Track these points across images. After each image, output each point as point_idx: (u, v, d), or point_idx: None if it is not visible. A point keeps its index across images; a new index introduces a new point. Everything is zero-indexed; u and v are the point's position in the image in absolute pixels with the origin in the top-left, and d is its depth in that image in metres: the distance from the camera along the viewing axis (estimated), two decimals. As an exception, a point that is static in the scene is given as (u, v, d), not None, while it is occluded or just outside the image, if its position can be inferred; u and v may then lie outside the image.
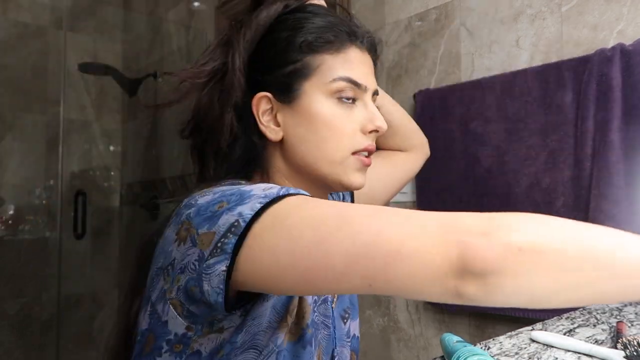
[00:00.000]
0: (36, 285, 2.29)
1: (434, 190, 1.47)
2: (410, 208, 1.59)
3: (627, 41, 1.14)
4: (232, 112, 0.60)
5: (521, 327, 0.69)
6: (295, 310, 0.54)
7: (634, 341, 0.55)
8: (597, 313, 0.78)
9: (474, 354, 0.51)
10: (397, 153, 0.88)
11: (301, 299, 0.55)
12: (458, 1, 1.49)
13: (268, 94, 0.60)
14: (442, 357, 0.58)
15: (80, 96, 2.59)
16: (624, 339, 0.57)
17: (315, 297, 0.59)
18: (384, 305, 1.67)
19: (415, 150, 0.91)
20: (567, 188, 1.20)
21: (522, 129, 1.28)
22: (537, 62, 1.31)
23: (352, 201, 0.80)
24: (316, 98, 0.59)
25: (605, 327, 0.69)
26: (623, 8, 1.17)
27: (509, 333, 0.66)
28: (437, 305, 1.48)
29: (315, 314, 0.58)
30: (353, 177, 0.60)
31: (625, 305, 0.83)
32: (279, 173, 0.62)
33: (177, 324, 0.51)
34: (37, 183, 2.45)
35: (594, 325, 0.70)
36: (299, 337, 0.54)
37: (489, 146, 1.34)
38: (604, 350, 0.56)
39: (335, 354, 0.60)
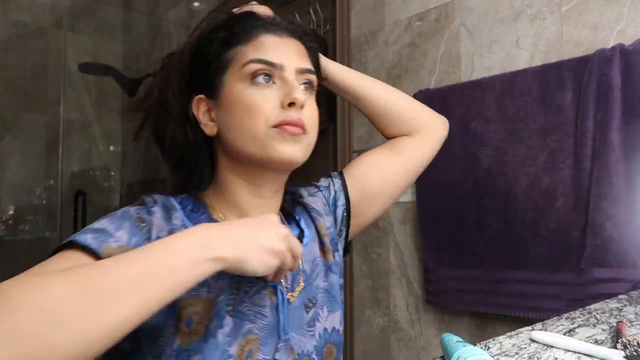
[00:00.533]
0: (36, 285, 2.30)
1: (433, 190, 1.47)
2: (411, 208, 1.59)
3: (627, 41, 1.14)
4: (179, 121, 0.66)
5: (521, 327, 0.69)
6: (186, 315, 0.57)
7: (634, 341, 0.55)
8: (597, 313, 0.78)
9: (473, 354, 0.51)
10: (402, 139, 0.85)
11: (191, 302, 0.57)
12: (458, 1, 1.49)
13: (202, 95, 0.66)
14: (442, 357, 0.58)
15: (80, 96, 2.59)
16: (623, 339, 0.57)
17: (231, 292, 0.60)
18: (384, 305, 1.67)
19: (422, 132, 0.86)
20: (567, 188, 1.20)
21: (522, 129, 1.28)
22: (537, 62, 1.31)
23: (345, 191, 0.79)
24: (234, 85, 0.63)
25: (605, 327, 0.69)
26: (623, 8, 1.17)
27: (509, 333, 0.66)
28: (437, 304, 1.48)
29: (245, 304, 0.60)
30: (280, 148, 0.62)
31: (626, 305, 0.83)
32: (225, 170, 0.67)
33: None
34: (37, 183, 2.45)
35: (594, 325, 0.70)
36: (204, 333, 0.57)
37: (488, 146, 1.34)
38: (603, 350, 0.56)
39: (281, 342, 0.61)
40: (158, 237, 0.57)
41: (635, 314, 0.77)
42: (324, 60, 0.80)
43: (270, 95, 0.62)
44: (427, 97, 1.50)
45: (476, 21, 1.44)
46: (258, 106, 0.62)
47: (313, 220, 0.74)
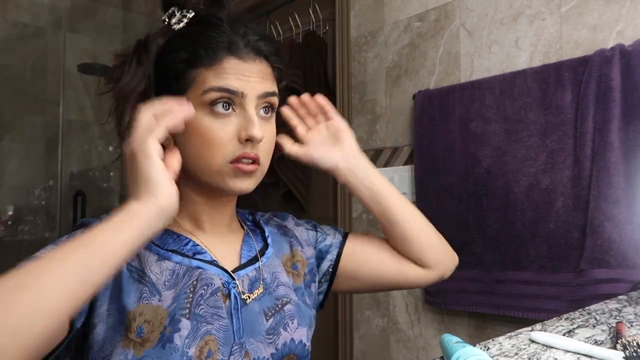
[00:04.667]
0: (35, 286, 2.29)
1: (433, 190, 1.46)
2: (410, 208, 1.59)
3: (627, 42, 1.14)
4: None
5: (521, 328, 0.69)
6: (135, 325, 0.57)
7: (634, 342, 0.55)
8: (597, 314, 0.78)
9: (473, 355, 0.51)
10: (409, 260, 0.82)
11: (141, 311, 0.59)
12: (457, 2, 1.49)
13: None
14: (442, 357, 0.58)
15: (80, 97, 2.58)
16: (623, 339, 0.57)
17: (186, 296, 0.61)
18: (384, 306, 1.67)
19: (431, 268, 0.83)
20: (566, 188, 1.20)
21: (521, 130, 1.28)
22: (537, 62, 1.31)
23: (340, 250, 0.79)
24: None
25: (604, 327, 0.69)
26: (622, 9, 1.17)
27: (509, 334, 0.66)
28: (436, 305, 1.48)
29: (202, 307, 0.61)
30: (232, 184, 0.64)
31: (625, 306, 0.83)
32: (182, 180, 0.66)
33: None
34: (36, 184, 2.45)
35: (594, 326, 0.70)
36: (158, 340, 0.58)
37: (488, 147, 1.34)
38: (603, 351, 0.56)
39: (235, 346, 0.61)
40: None
41: (635, 314, 0.77)
42: (370, 172, 0.78)
43: (229, 127, 0.62)
44: (427, 98, 1.50)
45: (476, 22, 1.44)
46: (216, 141, 0.62)
47: (290, 244, 0.76)
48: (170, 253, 0.65)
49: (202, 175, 0.65)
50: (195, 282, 0.62)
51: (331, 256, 0.79)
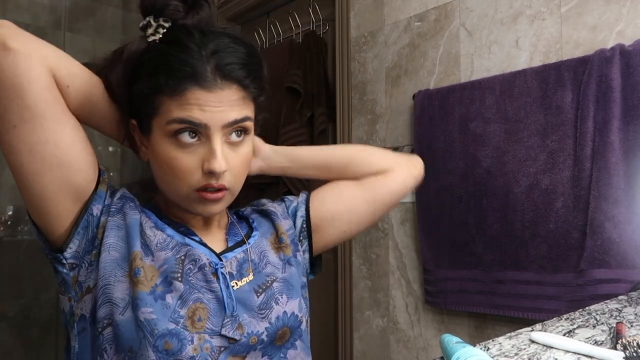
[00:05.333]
0: (35, 286, 2.29)
1: (433, 190, 1.46)
2: (410, 209, 1.59)
3: (627, 42, 1.14)
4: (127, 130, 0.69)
5: (521, 328, 0.69)
6: (133, 267, 0.62)
7: (634, 342, 0.55)
8: (597, 314, 0.78)
9: (473, 355, 0.51)
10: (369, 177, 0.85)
11: (135, 257, 0.63)
12: (457, 2, 1.49)
13: (134, 122, 0.67)
14: (442, 357, 0.58)
15: (80, 97, 2.58)
16: (623, 339, 0.57)
17: (177, 264, 0.65)
18: (384, 306, 1.67)
19: (389, 171, 0.84)
20: (566, 188, 1.20)
21: (521, 130, 1.28)
22: (537, 62, 1.31)
23: (306, 205, 0.83)
24: (159, 138, 0.63)
25: (604, 328, 0.69)
26: (622, 9, 1.17)
27: (509, 334, 0.66)
28: (436, 305, 1.48)
29: (191, 279, 0.65)
30: (200, 209, 0.66)
31: (625, 306, 0.83)
32: (161, 190, 0.70)
33: (64, 303, 0.65)
34: (36, 184, 2.44)
35: (594, 326, 0.70)
36: (152, 292, 0.61)
37: (488, 147, 1.34)
38: (603, 351, 0.56)
39: (227, 319, 0.64)
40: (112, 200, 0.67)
41: (635, 314, 0.77)
42: (286, 149, 0.83)
43: (193, 157, 0.62)
44: (427, 98, 1.50)
45: (476, 22, 1.44)
46: (181, 171, 0.63)
47: (273, 221, 0.80)
48: (166, 226, 0.69)
49: (173, 198, 0.67)
50: (183, 257, 0.66)
51: (301, 212, 0.82)
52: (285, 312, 0.69)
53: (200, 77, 0.61)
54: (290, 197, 0.86)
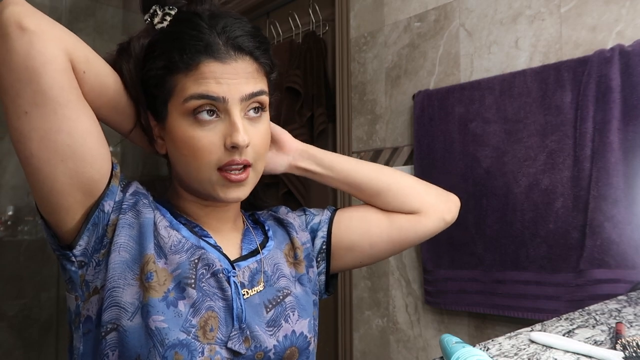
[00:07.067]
0: (35, 286, 2.29)
1: (433, 191, 1.46)
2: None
3: (626, 42, 1.15)
4: (140, 125, 0.68)
5: (520, 328, 0.69)
6: (145, 270, 0.60)
7: (633, 342, 0.55)
8: (597, 314, 0.78)
9: (473, 355, 0.51)
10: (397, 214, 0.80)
11: (148, 261, 0.60)
12: (457, 2, 1.49)
13: (149, 112, 0.66)
14: (441, 357, 0.58)
15: (80, 97, 2.58)
16: (623, 340, 0.57)
17: (191, 269, 0.62)
18: (383, 306, 1.67)
19: (422, 214, 0.80)
20: (566, 189, 1.20)
21: (521, 130, 1.28)
22: (536, 63, 1.31)
23: (329, 225, 0.79)
24: (176, 119, 0.62)
25: (604, 328, 0.69)
26: (622, 9, 1.17)
27: (508, 334, 0.66)
28: (436, 305, 1.48)
29: (204, 284, 0.62)
30: (222, 193, 0.64)
31: (625, 306, 0.83)
32: (176, 180, 0.69)
33: (70, 301, 0.63)
34: (36, 184, 2.44)
35: (593, 326, 0.70)
36: (162, 298, 0.59)
37: (488, 147, 1.34)
38: (603, 352, 0.56)
39: (234, 330, 0.62)
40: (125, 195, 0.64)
41: (635, 314, 0.77)
42: (320, 153, 0.79)
43: (215, 134, 0.61)
44: (427, 98, 1.51)
45: (475, 22, 1.44)
46: (202, 150, 0.61)
47: (288, 233, 0.77)
48: (182, 225, 0.66)
49: (193, 184, 0.65)
50: (196, 261, 0.63)
51: (322, 233, 0.79)
52: (294, 331, 0.67)
53: (214, 50, 0.60)
54: (313, 211, 0.82)
